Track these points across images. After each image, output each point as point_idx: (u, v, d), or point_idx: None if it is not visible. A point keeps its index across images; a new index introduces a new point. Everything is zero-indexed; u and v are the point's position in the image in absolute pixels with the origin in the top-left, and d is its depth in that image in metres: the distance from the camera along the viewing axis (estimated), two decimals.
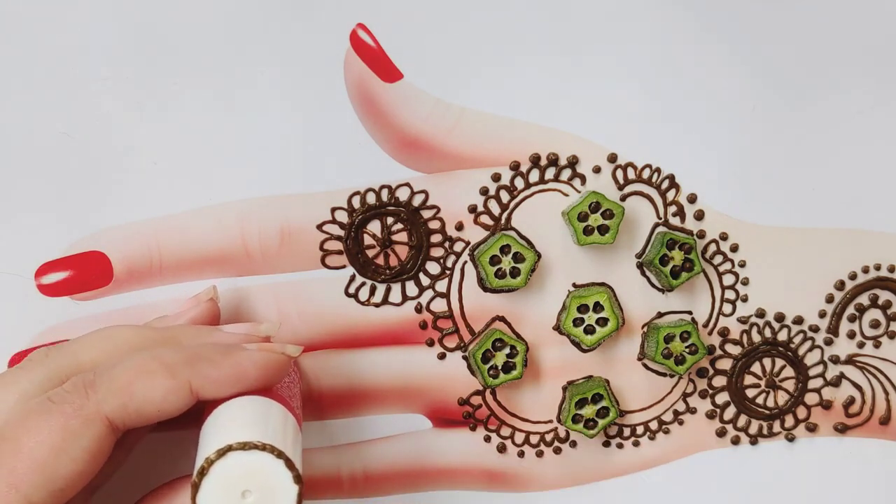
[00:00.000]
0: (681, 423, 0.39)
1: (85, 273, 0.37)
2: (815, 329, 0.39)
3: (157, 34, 0.36)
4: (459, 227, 0.38)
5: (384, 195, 0.37)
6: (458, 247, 0.38)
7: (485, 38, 0.37)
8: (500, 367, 0.37)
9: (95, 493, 0.32)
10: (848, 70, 0.38)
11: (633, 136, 0.38)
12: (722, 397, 0.39)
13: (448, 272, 0.38)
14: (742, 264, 0.39)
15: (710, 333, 0.39)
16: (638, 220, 0.38)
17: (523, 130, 0.37)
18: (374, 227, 0.37)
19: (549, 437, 0.39)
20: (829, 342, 0.39)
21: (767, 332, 0.39)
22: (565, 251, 0.38)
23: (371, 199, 0.37)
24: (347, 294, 0.38)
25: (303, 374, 0.38)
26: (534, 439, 0.39)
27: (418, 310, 0.38)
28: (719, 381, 0.39)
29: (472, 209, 0.38)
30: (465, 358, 0.38)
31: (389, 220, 0.37)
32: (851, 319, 0.39)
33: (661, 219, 0.38)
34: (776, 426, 0.40)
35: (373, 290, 0.38)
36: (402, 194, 0.37)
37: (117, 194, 0.37)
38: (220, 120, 0.36)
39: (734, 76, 0.38)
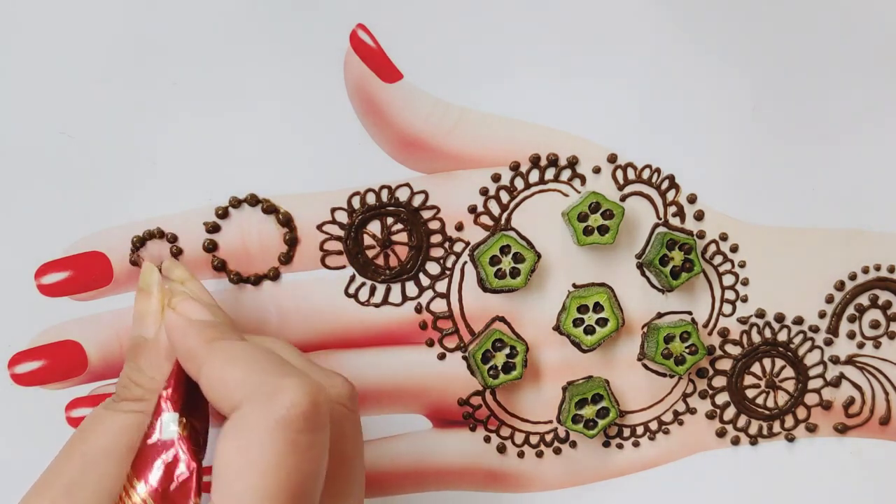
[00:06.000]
0: (681, 423, 0.39)
1: (85, 273, 0.37)
2: (815, 329, 0.39)
3: (156, 34, 0.36)
4: (459, 227, 0.38)
5: (384, 195, 0.37)
6: (458, 247, 0.38)
7: (485, 38, 0.37)
8: (500, 368, 0.37)
9: None
10: (848, 70, 0.38)
11: (633, 136, 0.38)
12: (722, 398, 0.39)
13: (448, 272, 0.38)
14: (742, 264, 0.39)
15: (710, 334, 0.39)
16: (638, 221, 0.38)
17: (523, 130, 0.37)
18: (374, 227, 0.37)
19: (548, 438, 0.39)
20: (829, 342, 0.39)
21: (767, 333, 0.39)
22: (565, 251, 0.38)
23: (371, 199, 0.37)
24: (347, 294, 0.38)
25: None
26: (534, 440, 0.39)
27: (418, 310, 0.38)
28: (719, 381, 0.39)
29: (472, 209, 0.38)
30: (465, 358, 0.38)
31: (389, 220, 0.37)
32: (851, 320, 0.39)
33: (661, 219, 0.38)
34: (776, 426, 0.40)
35: (373, 291, 0.38)
36: (402, 194, 0.37)
37: (117, 194, 0.37)
38: (220, 120, 0.36)
39: (734, 77, 0.38)
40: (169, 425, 0.29)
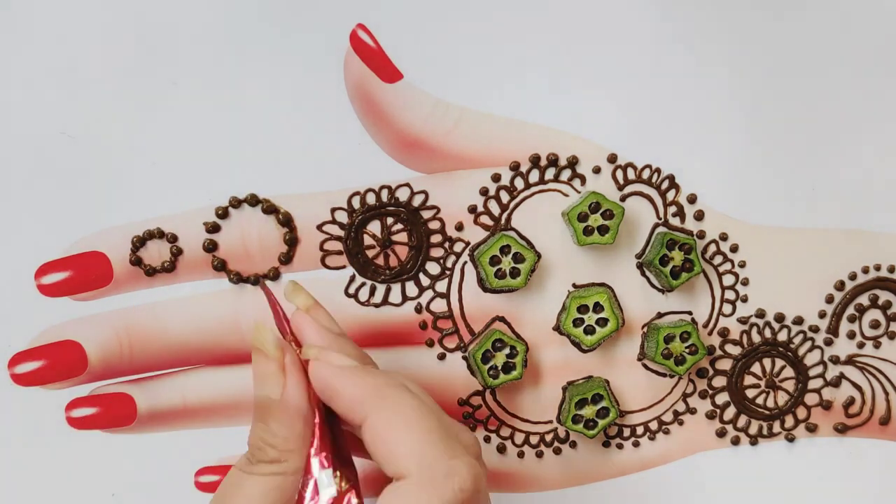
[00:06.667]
0: (681, 423, 0.39)
1: (85, 273, 0.37)
2: (815, 329, 0.39)
3: (156, 35, 0.36)
4: (459, 227, 0.38)
5: (384, 195, 0.37)
6: (457, 247, 0.38)
7: (485, 38, 0.37)
8: (500, 368, 0.37)
9: None
10: (848, 70, 0.38)
11: (633, 136, 0.38)
12: (722, 397, 0.39)
13: (448, 272, 0.38)
14: (742, 264, 0.39)
15: (710, 334, 0.39)
16: (638, 221, 0.38)
17: (523, 130, 0.37)
18: (374, 227, 0.37)
19: (548, 438, 0.39)
20: (829, 342, 0.39)
21: (767, 333, 0.39)
22: (565, 251, 0.38)
23: (371, 199, 0.37)
24: (347, 294, 0.38)
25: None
26: (534, 440, 0.39)
27: (418, 310, 0.38)
28: (719, 381, 0.39)
29: (472, 209, 0.38)
30: (465, 358, 0.38)
31: (389, 220, 0.37)
32: (851, 320, 0.39)
33: (661, 219, 0.38)
34: (776, 426, 0.40)
35: (373, 291, 0.38)
36: (402, 194, 0.37)
37: (117, 194, 0.37)
38: (220, 120, 0.36)
39: (734, 77, 0.38)
40: (326, 483, 0.29)
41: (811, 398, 0.40)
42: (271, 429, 0.30)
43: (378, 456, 0.28)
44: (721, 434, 0.40)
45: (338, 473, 0.29)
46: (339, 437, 0.30)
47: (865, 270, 0.39)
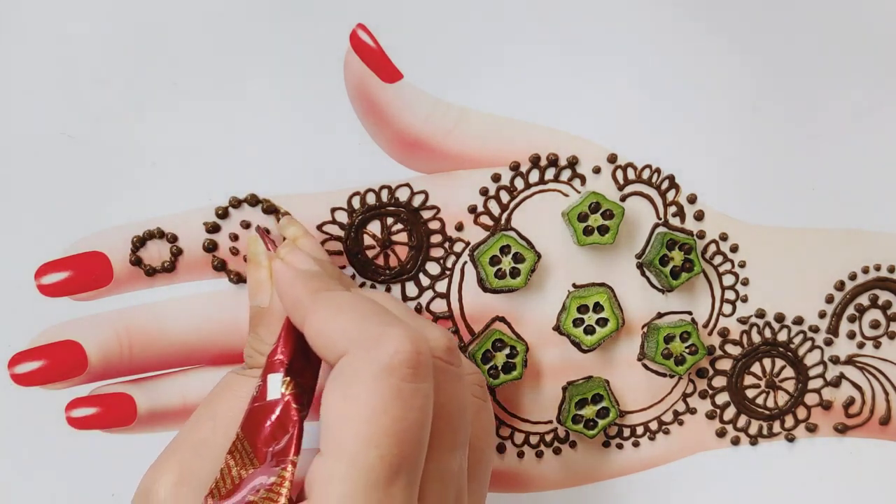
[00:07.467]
0: (681, 423, 0.39)
1: (85, 273, 0.37)
2: (815, 329, 0.39)
3: (156, 35, 0.36)
4: (459, 227, 0.38)
5: (384, 195, 0.37)
6: (457, 247, 0.38)
7: (485, 38, 0.37)
8: (500, 368, 0.37)
9: None
10: (848, 70, 0.38)
11: (633, 136, 0.38)
12: (722, 398, 0.39)
13: (448, 272, 0.38)
14: (742, 264, 0.39)
15: (710, 334, 0.39)
16: (638, 221, 0.38)
17: (523, 130, 0.37)
18: (374, 227, 0.37)
19: (548, 438, 0.39)
20: (829, 342, 0.39)
21: (767, 333, 0.39)
22: (565, 251, 0.38)
23: (371, 199, 0.37)
24: None
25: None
26: (533, 440, 0.39)
27: (418, 310, 0.38)
28: (719, 381, 0.39)
29: (472, 209, 0.38)
30: None
31: (389, 220, 0.37)
32: (851, 320, 0.39)
33: (661, 219, 0.38)
34: (776, 426, 0.40)
35: None
36: (402, 194, 0.37)
37: (117, 194, 0.37)
38: (220, 120, 0.36)
39: (734, 76, 0.38)
40: (275, 386, 0.29)
41: (811, 398, 0.40)
42: (260, 335, 0.32)
43: (321, 352, 0.28)
44: (721, 434, 0.40)
45: (287, 379, 0.29)
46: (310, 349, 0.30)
47: (865, 270, 0.39)
